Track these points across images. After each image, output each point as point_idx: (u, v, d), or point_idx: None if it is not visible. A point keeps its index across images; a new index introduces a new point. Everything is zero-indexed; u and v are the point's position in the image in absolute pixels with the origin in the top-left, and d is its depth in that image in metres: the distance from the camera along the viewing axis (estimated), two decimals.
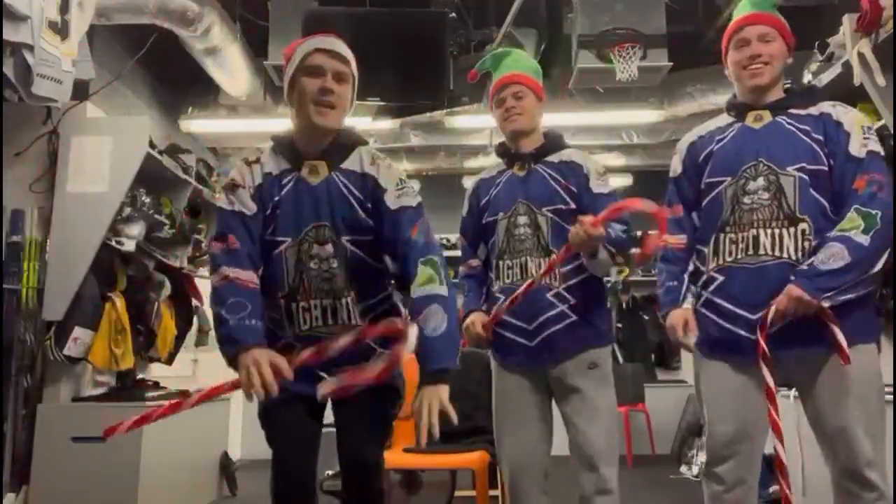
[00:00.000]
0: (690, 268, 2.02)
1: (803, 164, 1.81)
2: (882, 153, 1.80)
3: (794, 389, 2.50)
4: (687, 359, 6.69)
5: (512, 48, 2.49)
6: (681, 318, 1.94)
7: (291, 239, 1.77)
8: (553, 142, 2.24)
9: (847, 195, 1.76)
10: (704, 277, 1.92)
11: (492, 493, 2.82)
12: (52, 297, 3.26)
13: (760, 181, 1.84)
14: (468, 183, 2.43)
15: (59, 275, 3.29)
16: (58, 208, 3.32)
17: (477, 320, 2.16)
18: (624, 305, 6.69)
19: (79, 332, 3.32)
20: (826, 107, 1.87)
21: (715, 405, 1.92)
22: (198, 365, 5.65)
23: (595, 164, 2.21)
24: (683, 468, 5.10)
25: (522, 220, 2.15)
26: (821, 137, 1.82)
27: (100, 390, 3.65)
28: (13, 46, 2.64)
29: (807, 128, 1.84)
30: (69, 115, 3.45)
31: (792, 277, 1.74)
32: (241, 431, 6.10)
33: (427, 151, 5.68)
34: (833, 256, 1.69)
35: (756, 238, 1.82)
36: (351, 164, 1.81)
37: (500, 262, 2.18)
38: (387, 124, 4.99)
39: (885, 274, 2.61)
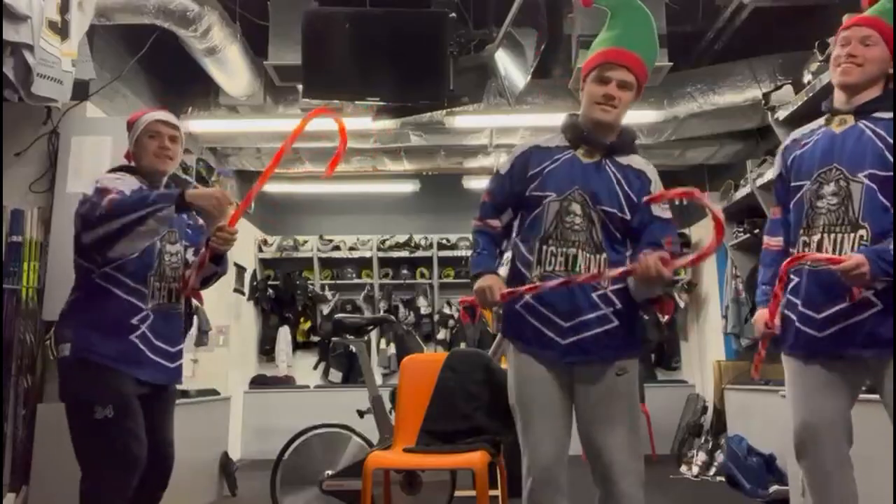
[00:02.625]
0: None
1: (873, 171, 1.84)
2: None
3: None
4: (687, 359, 6.70)
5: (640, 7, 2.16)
6: (761, 315, 2.07)
7: None
8: (628, 141, 2.08)
9: None
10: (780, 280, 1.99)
11: (492, 493, 2.82)
12: (52, 297, 3.26)
13: (832, 186, 1.89)
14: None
15: (59, 275, 3.29)
16: (58, 208, 3.32)
17: (494, 286, 1.95)
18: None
19: None
20: None
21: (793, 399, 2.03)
22: (198, 365, 5.65)
23: (659, 181, 2.06)
24: (683, 468, 5.10)
25: (577, 209, 1.97)
26: (893, 142, 1.83)
27: None
28: (13, 46, 2.64)
29: (882, 132, 1.86)
30: (69, 115, 3.45)
31: (867, 250, 1.80)
32: (241, 431, 6.10)
33: (427, 151, 5.67)
34: None
35: (820, 242, 1.90)
36: None
37: (544, 247, 2.00)
38: (387, 124, 4.99)
39: None
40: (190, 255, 2.41)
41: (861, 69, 1.91)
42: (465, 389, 2.92)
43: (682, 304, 6.69)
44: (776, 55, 4.36)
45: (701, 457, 5.00)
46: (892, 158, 1.82)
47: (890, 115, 1.87)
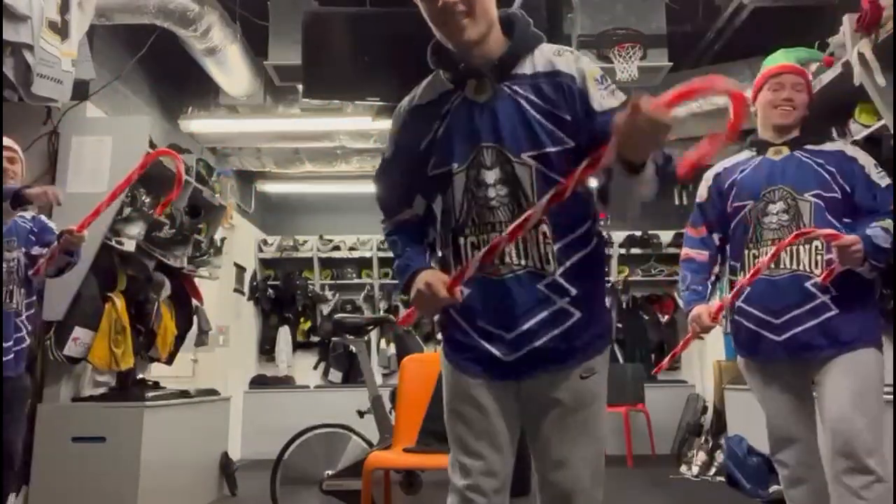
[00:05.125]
0: (720, 282, 2.37)
1: (819, 192, 2.10)
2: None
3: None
4: (687, 359, 6.69)
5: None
6: (706, 309, 2.16)
7: None
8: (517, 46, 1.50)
9: (881, 213, 2.05)
10: (737, 289, 2.15)
11: None
12: (52, 297, 3.26)
13: (780, 204, 2.13)
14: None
15: None
16: (58, 208, 3.31)
17: (434, 282, 1.40)
18: (624, 305, 6.69)
19: (79, 332, 3.32)
20: (838, 145, 2.22)
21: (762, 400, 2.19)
22: (198, 365, 5.66)
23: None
24: (683, 468, 5.09)
25: (488, 175, 1.44)
26: (833, 169, 2.11)
27: (100, 390, 3.65)
28: (13, 46, 2.64)
29: (821, 161, 2.14)
30: (69, 115, 3.45)
31: (862, 234, 2.00)
32: (241, 431, 6.10)
33: None
34: (883, 238, 1.98)
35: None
36: None
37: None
38: (387, 124, 4.99)
39: (885, 274, 2.62)
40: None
41: (795, 112, 2.20)
42: None
43: (682, 304, 6.68)
44: None
45: (701, 457, 5.00)
46: (832, 183, 2.10)
47: (821, 147, 2.17)
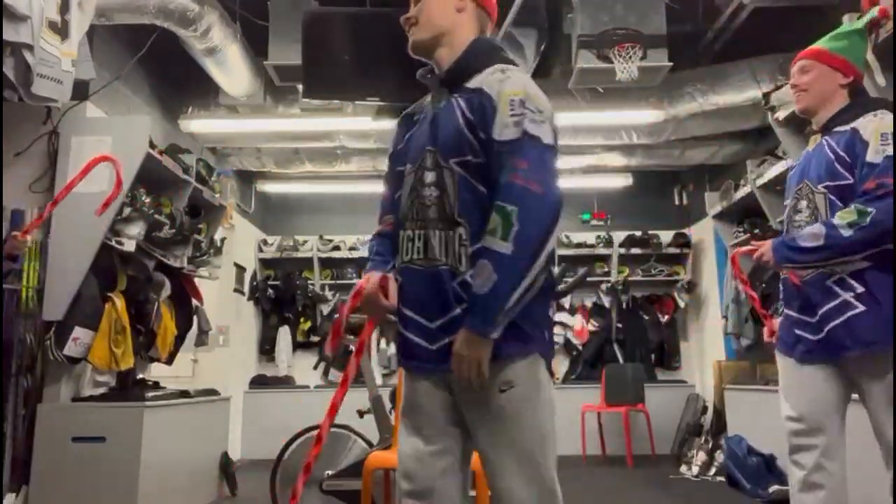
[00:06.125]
0: None
1: (827, 183, 2.01)
2: None
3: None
4: (687, 359, 6.70)
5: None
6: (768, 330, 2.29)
7: None
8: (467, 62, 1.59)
9: (859, 196, 1.92)
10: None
11: None
12: (52, 297, 3.26)
13: (804, 201, 2.08)
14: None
15: (59, 275, 3.29)
16: (58, 208, 3.32)
17: (372, 287, 1.54)
18: (624, 305, 6.69)
19: (79, 332, 3.32)
20: (860, 120, 2.01)
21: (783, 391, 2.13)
22: (198, 365, 5.66)
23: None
24: (683, 468, 5.09)
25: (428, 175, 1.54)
26: (842, 153, 2.00)
27: (100, 390, 3.65)
28: (13, 46, 2.64)
29: (834, 145, 2.03)
30: (69, 115, 3.45)
31: (774, 240, 2.03)
32: (241, 431, 6.10)
33: None
34: (812, 236, 1.93)
35: None
36: None
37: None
38: (387, 124, 4.99)
39: None
40: None
41: (806, 94, 2.11)
42: None
43: (682, 304, 6.69)
44: (776, 55, 4.36)
45: (701, 457, 5.00)
46: (840, 169, 1.99)
47: (846, 127, 2.02)
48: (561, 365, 6.80)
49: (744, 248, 2.05)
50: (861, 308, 1.91)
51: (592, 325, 6.74)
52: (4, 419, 3.11)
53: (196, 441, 3.95)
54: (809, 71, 2.11)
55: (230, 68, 4.17)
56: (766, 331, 2.28)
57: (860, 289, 1.92)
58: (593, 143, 5.59)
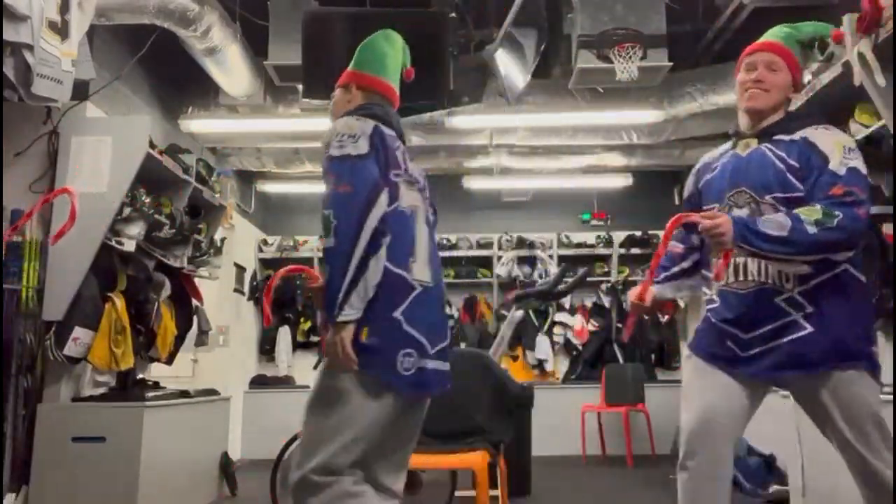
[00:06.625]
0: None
1: (777, 194, 1.87)
2: (864, 172, 1.84)
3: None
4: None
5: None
6: (638, 288, 2.07)
7: None
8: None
9: (821, 199, 1.80)
10: (706, 298, 2.02)
11: (492, 493, 2.82)
12: (52, 297, 3.26)
13: (745, 210, 1.90)
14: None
15: (59, 275, 3.29)
16: (58, 208, 3.32)
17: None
18: (624, 305, 6.70)
19: (79, 332, 3.32)
20: (808, 131, 1.91)
21: (688, 396, 2.00)
22: (198, 365, 5.66)
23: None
24: None
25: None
26: (794, 163, 1.87)
27: (100, 390, 3.65)
28: (13, 46, 2.64)
29: (783, 154, 1.90)
30: (69, 115, 3.45)
31: (735, 216, 1.83)
32: (241, 431, 6.11)
33: (427, 151, 5.68)
34: (778, 225, 1.77)
35: (745, 265, 1.90)
36: None
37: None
38: None
39: (885, 273, 2.62)
40: None
41: (767, 95, 1.95)
42: (465, 389, 2.92)
43: (682, 304, 6.69)
44: None
45: None
46: (793, 180, 1.86)
47: (789, 136, 1.91)
48: (561, 365, 6.80)
49: (695, 216, 1.81)
50: (809, 329, 1.82)
51: (592, 325, 6.74)
52: (4, 419, 3.11)
53: (196, 441, 3.95)
54: (777, 71, 1.98)
55: (230, 68, 4.17)
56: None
57: (809, 308, 1.82)
58: (593, 143, 5.60)
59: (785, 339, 1.83)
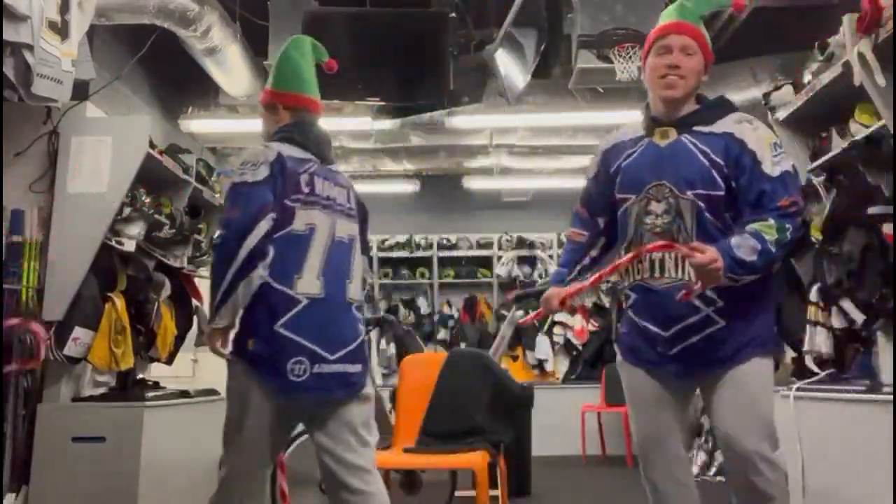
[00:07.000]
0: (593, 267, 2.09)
1: (699, 190, 1.82)
2: (795, 170, 1.85)
3: (793, 390, 2.52)
4: None
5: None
6: (557, 292, 1.97)
7: None
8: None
9: (769, 211, 1.77)
10: (623, 292, 2.00)
11: (492, 493, 2.82)
12: (52, 297, 3.26)
13: (663, 204, 1.85)
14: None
15: (59, 275, 3.29)
16: (58, 208, 3.32)
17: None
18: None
19: (79, 332, 3.32)
20: (730, 124, 1.86)
21: (631, 404, 2.03)
22: (198, 365, 5.65)
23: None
24: None
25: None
26: (719, 160, 1.81)
27: (100, 390, 3.65)
28: (13, 46, 2.64)
29: (706, 149, 1.83)
30: (69, 115, 3.45)
31: (719, 245, 1.75)
32: None
33: (427, 151, 5.68)
34: (750, 249, 1.72)
35: (662, 261, 1.86)
36: None
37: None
38: (387, 124, 4.99)
39: (885, 274, 2.61)
40: None
41: (685, 82, 1.86)
42: (465, 389, 2.92)
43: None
44: (776, 55, 4.36)
45: (701, 457, 5.00)
46: (717, 178, 1.81)
47: (709, 128, 1.86)
48: (561, 365, 6.80)
49: (685, 249, 1.73)
50: (721, 323, 1.81)
51: (592, 325, 6.74)
52: (4, 419, 3.10)
53: (196, 441, 3.94)
54: (692, 55, 1.87)
55: (230, 68, 4.17)
56: (559, 296, 1.97)
57: (720, 303, 1.81)
58: (593, 143, 5.60)
59: (699, 336, 1.83)
